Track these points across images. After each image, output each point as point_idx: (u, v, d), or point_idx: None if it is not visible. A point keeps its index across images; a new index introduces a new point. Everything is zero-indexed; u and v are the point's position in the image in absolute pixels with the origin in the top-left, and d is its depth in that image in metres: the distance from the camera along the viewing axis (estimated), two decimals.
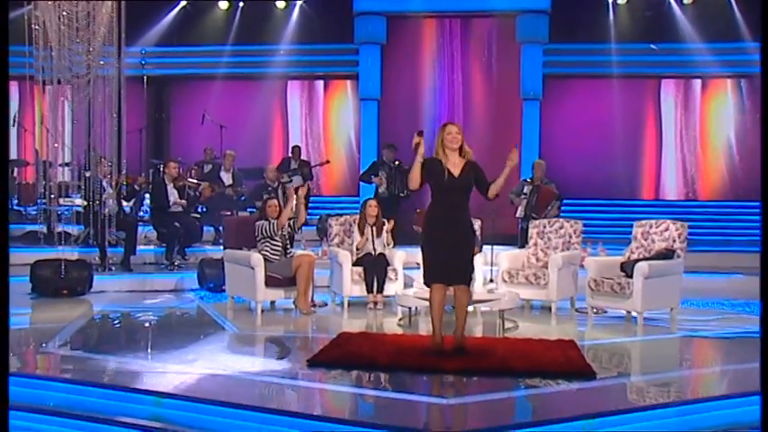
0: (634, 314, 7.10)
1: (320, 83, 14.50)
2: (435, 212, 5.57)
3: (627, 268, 7.21)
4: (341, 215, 8.75)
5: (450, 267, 5.49)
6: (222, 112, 13.14)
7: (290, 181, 11.48)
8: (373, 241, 8.08)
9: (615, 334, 6.83)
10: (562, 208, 10.31)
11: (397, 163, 10.88)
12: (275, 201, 7.92)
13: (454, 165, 5.52)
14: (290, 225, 7.81)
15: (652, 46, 12.96)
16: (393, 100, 13.40)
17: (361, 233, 8.13)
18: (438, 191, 5.55)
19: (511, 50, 13.13)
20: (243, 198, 11.22)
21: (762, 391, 4.01)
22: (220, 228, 10.05)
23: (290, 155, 12.35)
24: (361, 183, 11.70)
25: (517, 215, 10.20)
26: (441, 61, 13.63)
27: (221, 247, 8.43)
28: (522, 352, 5.63)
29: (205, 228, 10.50)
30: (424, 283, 5.62)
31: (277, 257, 7.60)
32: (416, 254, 8.22)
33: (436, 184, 5.51)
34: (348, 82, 14.21)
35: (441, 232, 5.50)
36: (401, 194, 10.81)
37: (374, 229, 8.11)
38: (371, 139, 13.20)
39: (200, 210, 11.03)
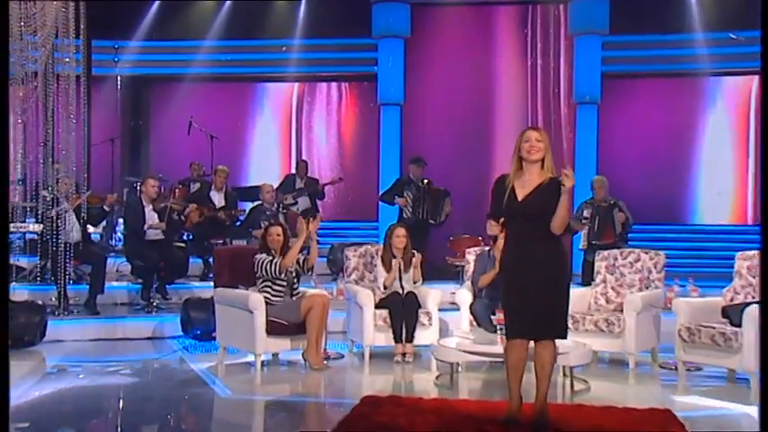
0: (741, 373, 6.55)
1: (332, 85, 14.58)
2: (507, 248, 5.26)
3: (732, 314, 6.69)
4: (359, 244, 8.60)
5: (528, 318, 5.01)
6: (213, 119, 13.07)
7: (295, 203, 11.54)
8: (401, 278, 7.80)
9: (719, 400, 6.33)
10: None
11: (426, 182, 10.67)
12: (278, 227, 7.58)
13: (524, 184, 5.01)
14: (298, 262, 7.46)
15: (732, 35, 12.58)
16: (419, 105, 13.38)
17: (387, 268, 7.79)
18: (506, 220, 5.17)
19: (562, 44, 13.05)
20: (238, 223, 11.01)
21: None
22: (210, 260, 9.88)
23: (294, 171, 12.32)
24: (382, 204, 11.52)
25: (580, 248, 9.59)
26: (475, 58, 13.43)
27: (211, 285, 8.21)
28: (605, 426, 5.18)
29: (191, 260, 10.37)
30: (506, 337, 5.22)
31: (281, 299, 7.26)
32: (453, 292, 7.99)
33: (503, 210, 5.07)
34: (365, 84, 14.17)
35: (514, 274, 5.08)
36: (431, 220, 10.45)
37: (402, 262, 7.79)
38: (393, 153, 13.19)
39: (185, 238, 10.83)
